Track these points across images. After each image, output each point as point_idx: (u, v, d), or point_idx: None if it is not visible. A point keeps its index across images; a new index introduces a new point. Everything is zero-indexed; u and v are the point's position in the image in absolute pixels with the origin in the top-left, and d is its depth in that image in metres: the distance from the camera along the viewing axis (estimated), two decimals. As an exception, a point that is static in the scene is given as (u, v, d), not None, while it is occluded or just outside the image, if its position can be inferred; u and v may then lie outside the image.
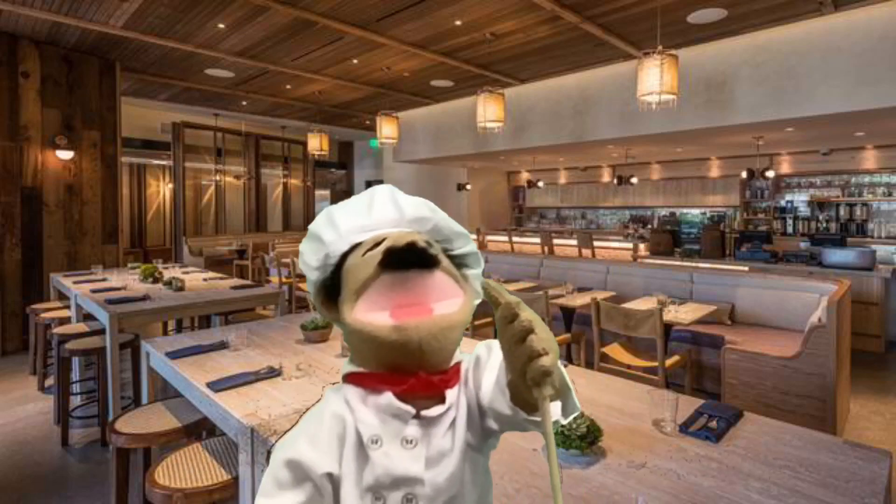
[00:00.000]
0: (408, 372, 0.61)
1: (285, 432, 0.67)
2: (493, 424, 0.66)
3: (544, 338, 0.54)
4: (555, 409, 0.60)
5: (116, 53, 5.95)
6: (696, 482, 1.18)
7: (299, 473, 0.61)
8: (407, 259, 0.60)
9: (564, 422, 0.62)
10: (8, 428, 3.46)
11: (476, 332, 4.32)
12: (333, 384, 0.70)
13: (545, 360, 0.53)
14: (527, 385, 0.55)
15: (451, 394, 0.64)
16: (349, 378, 0.65)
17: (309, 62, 6.30)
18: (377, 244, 0.62)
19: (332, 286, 0.67)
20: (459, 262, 0.70)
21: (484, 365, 0.66)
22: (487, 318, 4.55)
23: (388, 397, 0.61)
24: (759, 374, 3.23)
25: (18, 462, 3.01)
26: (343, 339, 0.66)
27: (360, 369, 0.64)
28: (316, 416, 0.65)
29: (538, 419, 0.59)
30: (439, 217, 0.69)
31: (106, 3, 4.54)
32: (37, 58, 5.50)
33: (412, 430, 0.62)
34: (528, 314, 0.55)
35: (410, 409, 0.61)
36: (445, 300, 0.62)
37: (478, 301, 0.69)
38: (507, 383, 0.60)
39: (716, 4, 4.56)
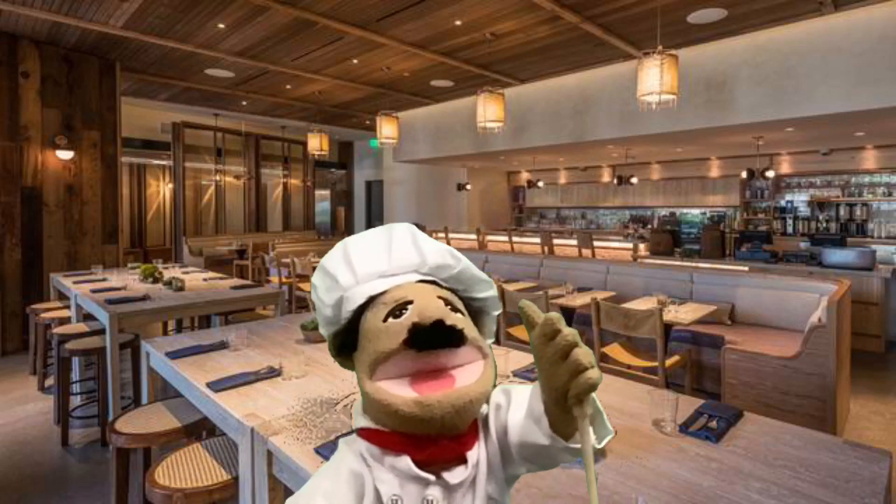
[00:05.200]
0: (427, 437, 0.59)
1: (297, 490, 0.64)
2: (520, 469, 0.65)
3: (588, 352, 0.54)
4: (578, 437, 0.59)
5: (116, 53, 5.95)
6: (696, 482, 1.18)
7: None
8: (434, 337, 0.57)
9: (599, 446, 0.60)
10: (8, 428, 3.46)
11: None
12: (345, 435, 0.68)
13: (592, 374, 0.53)
14: (566, 406, 0.54)
15: (471, 454, 0.62)
16: (364, 434, 0.63)
17: (309, 62, 6.30)
18: (399, 306, 0.59)
19: (346, 338, 0.65)
20: (478, 305, 0.68)
21: (505, 409, 0.65)
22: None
23: (406, 462, 0.59)
24: (759, 374, 3.23)
25: (18, 462, 3.01)
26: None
27: (375, 426, 0.62)
28: (332, 471, 0.63)
29: (576, 445, 0.58)
30: (463, 265, 0.67)
31: (106, 3, 4.54)
32: (37, 58, 5.50)
33: (433, 490, 0.60)
34: (569, 329, 0.54)
35: (430, 477, 0.59)
36: (467, 365, 0.60)
37: (491, 341, 0.69)
38: (545, 410, 0.59)
39: (716, 4, 4.56)
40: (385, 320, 0.59)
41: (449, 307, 0.62)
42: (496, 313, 0.71)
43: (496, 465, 0.64)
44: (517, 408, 0.64)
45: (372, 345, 0.60)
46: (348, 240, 0.69)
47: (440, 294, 0.63)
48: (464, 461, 0.61)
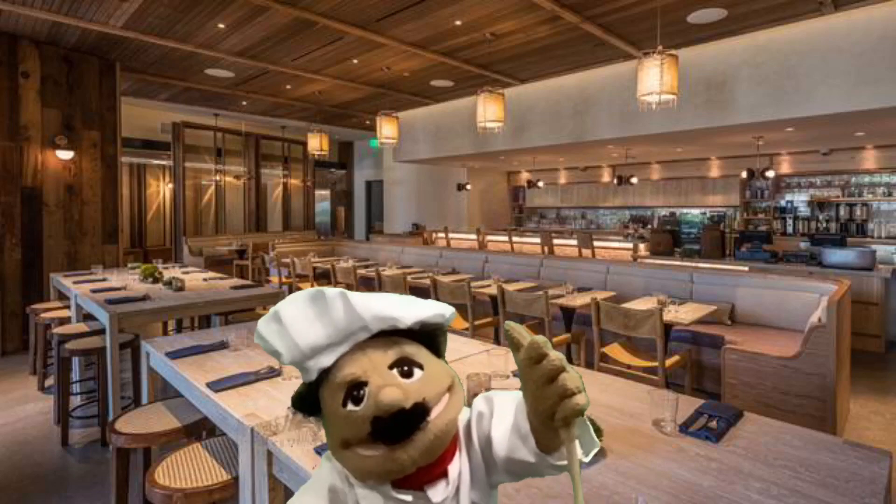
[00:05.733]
0: None
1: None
2: (502, 477, 0.64)
3: (575, 376, 0.53)
4: (564, 456, 0.58)
5: (116, 53, 5.95)
6: (696, 482, 1.18)
7: None
8: (397, 423, 0.57)
9: (586, 460, 0.59)
10: (8, 428, 3.46)
11: (476, 331, 4.32)
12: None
13: (579, 399, 0.52)
14: (552, 427, 0.54)
15: (452, 468, 0.62)
16: None
17: (309, 62, 6.30)
18: (354, 386, 0.58)
19: (307, 398, 0.64)
20: (430, 329, 0.66)
21: (488, 418, 0.64)
22: (487, 318, 4.55)
23: (385, 487, 0.60)
24: (759, 374, 3.23)
25: (18, 462, 3.01)
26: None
27: None
28: (315, 489, 0.63)
29: (562, 462, 0.58)
30: (406, 321, 0.64)
31: (106, 3, 4.54)
32: (37, 58, 5.50)
33: None
34: (556, 353, 0.54)
35: (408, 497, 0.60)
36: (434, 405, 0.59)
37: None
38: (532, 428, 0.58)
39: (716, 4, 4.56)
40: (344, 404, 0.58)
41: (405, 367, 0.60)
42: (447, 325, 0.69)
43: (479, 473, 0.64)
44: (501, 419, 0.63)
45: (336, 430, 0.59)
46: (280, 310, 0.64)
47: (393, 358, 0.60)
48: (445, 475, 0.61)
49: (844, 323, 3.41)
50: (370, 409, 0.57)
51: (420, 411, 0.58)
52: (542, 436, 0.58)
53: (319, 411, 0.63)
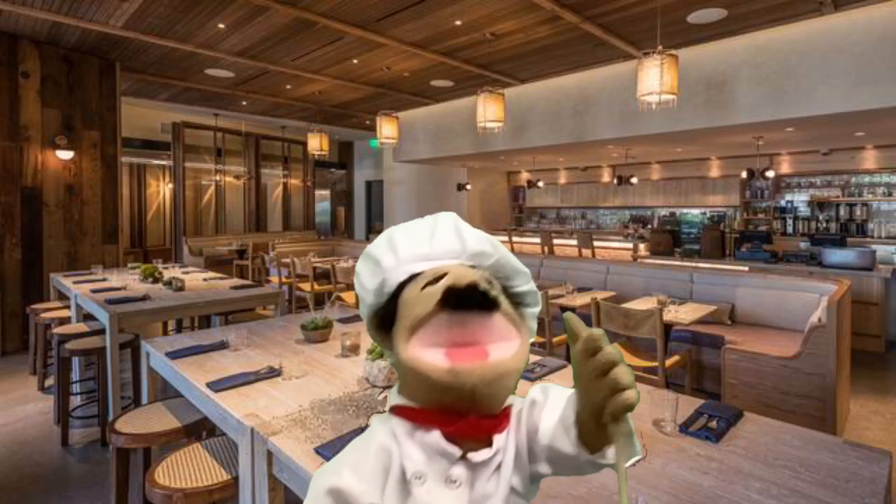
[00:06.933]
0: (458, 413, 0.60)
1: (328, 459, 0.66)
2: (544, 469, 0.65)
3: (628, 371, 0.54)
4: (610, 454, 0.60)
5: (116, 53, 5.95)
6: (696, 482, 1.18)
7: (341, 503, 0.60)
8: (467, 300, 0.59)
9: (626, 465, 0.59)
10: (8, 428, 3.46)
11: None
12: (380, 412, 0.69)
13: (630, 394, 0.53)
14: (600, 422, 0.55)
15: (499, 438, 0.63)
16: (397, 410, 0.64)
17: (309, 62, 6.30)
18: (437, 278, 0.61)
19: (386, 314, 0.66)
20: (517, 300, 0.69)
21: (541, 407, 0.66)
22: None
23: (435, 436, 0.60)
24: (759, 374, 3.23)
25: (18, 462, 3.01)
26: (391, 363, 0.67)
27: (409, 403, 0.63)
28: (362, 445, 0.64)
29: (601, 460, 0.59)
30: (501, 253, 0.68)
31: (106, 3, 4.54)
32: (37, 58, 5.50)
33: (457, 470, 0.61)
34: (612, 347, 0.54)
35: (457, 451, 0.60)
36: (502, 342, 0.60)
37: (532, 339, 0.68)
38: (576, 420, 0.59)
39: (716, 4, 4.56)
40: (423, 289, 0.61)
41: (488, 286, 0.63)
42: (537, 309, 0.71)
43: (523, 458, 0.65)
44: (552, 409, 0.64)
45: (408, 311, 0.61)
46: (393, 228, 0.71)
47: (480, 273, 0.64)
48: (490, 443, 0.62)
49: (844, 323, 3.41)
50: (446, 282, 0.59)
51: (492, 300, 0.60)
52: (586, 429, 0.58)
53: (390, 327, 0.66)
